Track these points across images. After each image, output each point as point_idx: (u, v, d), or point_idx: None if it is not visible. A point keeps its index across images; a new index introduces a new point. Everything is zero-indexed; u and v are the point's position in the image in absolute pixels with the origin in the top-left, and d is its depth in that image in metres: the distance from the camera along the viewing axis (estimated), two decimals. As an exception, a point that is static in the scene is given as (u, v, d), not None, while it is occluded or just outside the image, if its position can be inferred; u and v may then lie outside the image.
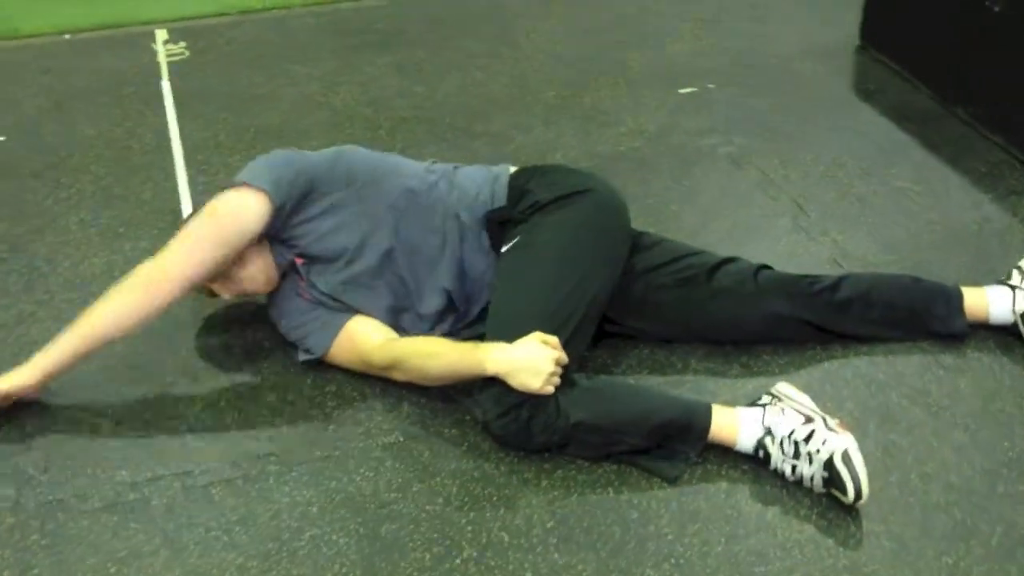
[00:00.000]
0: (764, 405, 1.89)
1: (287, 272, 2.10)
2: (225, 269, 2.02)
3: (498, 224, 2.09)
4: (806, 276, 2.16)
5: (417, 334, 2.07)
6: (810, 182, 2.73)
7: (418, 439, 1.95)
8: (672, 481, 1.85)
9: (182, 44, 3.54)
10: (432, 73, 3.34)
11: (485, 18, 3.74)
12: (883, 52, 3.34)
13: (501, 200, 2.11)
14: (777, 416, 1.84)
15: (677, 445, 1.87)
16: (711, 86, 3.22)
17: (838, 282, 2.14)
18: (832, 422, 1.82)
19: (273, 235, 2.03)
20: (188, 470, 1.87)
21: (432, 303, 2.07)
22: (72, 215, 2.61)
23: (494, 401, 1.86)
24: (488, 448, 1.92)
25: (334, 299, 2.06)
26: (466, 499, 1.82)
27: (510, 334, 1.88)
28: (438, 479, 1.86)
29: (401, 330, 2.06)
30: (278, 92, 3.23)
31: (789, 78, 3.27)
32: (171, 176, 2.78)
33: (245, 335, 2.21)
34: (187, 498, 1.82)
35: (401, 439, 1.95)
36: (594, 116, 3.07)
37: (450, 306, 2.09)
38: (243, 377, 2.10)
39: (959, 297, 2.15)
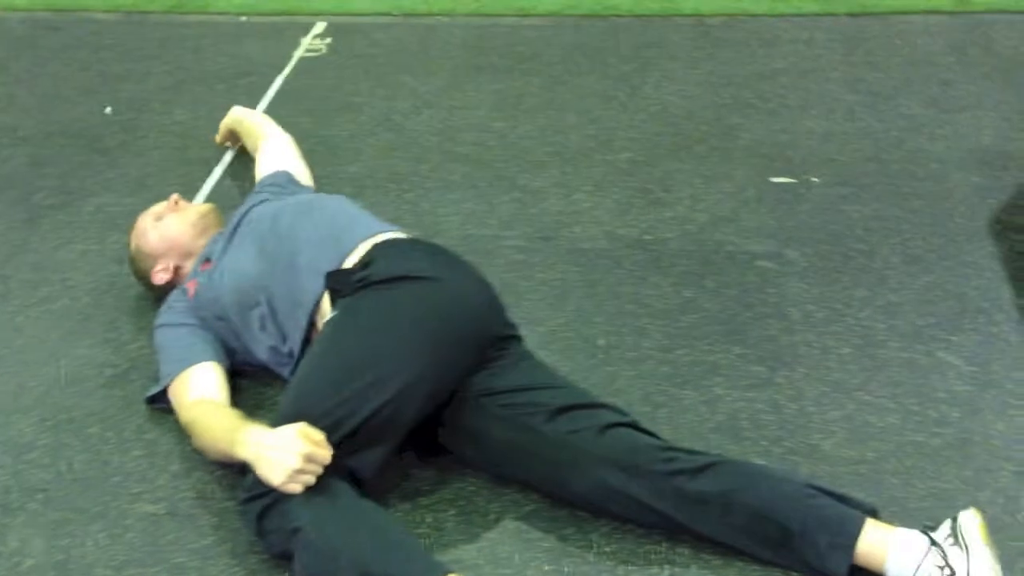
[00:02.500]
0: None
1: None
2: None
3: (334, 289, 1.93)
4: (670, 449, 1.75)
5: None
6: (835, 328, 2.20)
7: (178, 515, 1.85)
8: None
9: (327, 41, 3.59)
10: (528, 108, 3.12)
11: (631, 54, 3.41)
12: (1065, 174, 2.61)
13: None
14: None
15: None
16: (815, 179, 2.70)
17: (706, 467, 1.71)
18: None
19: None
20: (-36, 487, 1.93)
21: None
22: (95, 198, 2.76)
23: (248, 484, 1.71)
24: (235, 544, 1.78)
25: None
26: (158, 601, 1.71)
27: (280, 419, 1.72)
28: (154, 569, 1.75)
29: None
30: (369, 104, 3.18)
31: (925, 186, 2.66)
32: (207, 176, 2.85)
33: (117, 360, 2.22)
34: (-60, 513, 1.87)
35: (162, 512, 1.86)
36: (651, 191, 2.70)
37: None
38: (85, 402, 2.10)
39: (856, 528, 1.63)
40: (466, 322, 1.88)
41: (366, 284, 1.89)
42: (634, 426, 1.80)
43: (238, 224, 2.19)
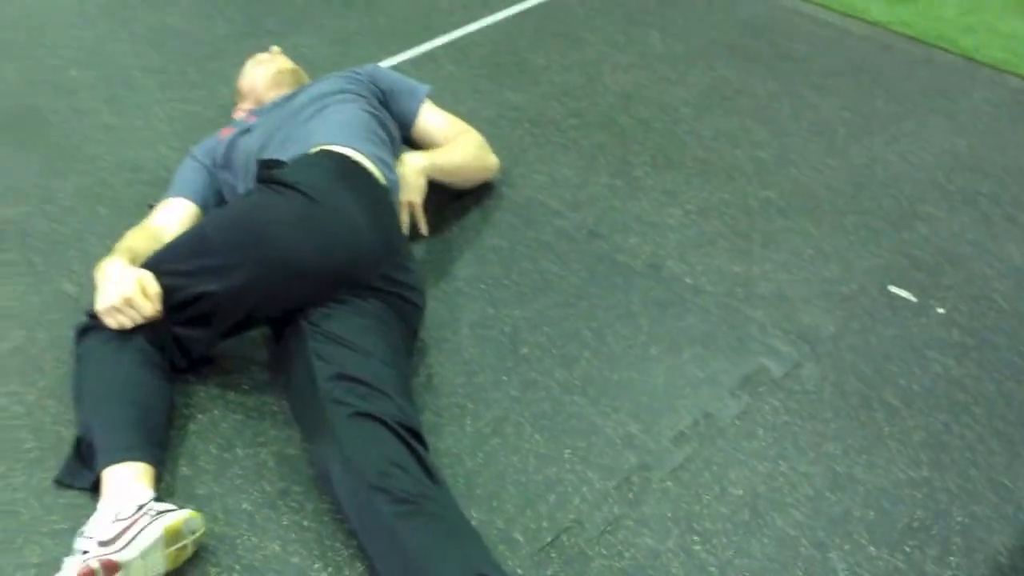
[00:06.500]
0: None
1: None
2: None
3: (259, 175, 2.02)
4: (399, 467, 1.61)
5: None
6: (736, 432, 1.84)
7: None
8: (60, 482, 1.73)
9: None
10: (718, 107, 2.82)
11: (912, 92, 2.89)
12: None
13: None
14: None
15: (88, 460, 1.73)
16: (940, 310, 2.17)
17: (411, 501, 1.57)
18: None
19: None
20: None
21: None
22: (297, 36, 2.99)
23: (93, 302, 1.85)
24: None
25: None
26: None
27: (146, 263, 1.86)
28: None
29: None
30: (596, 45, 3.07)
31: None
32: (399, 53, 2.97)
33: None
34: None
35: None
36: (751, 239, 2.36)
37: None
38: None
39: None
40: (323, 253, 1.84)
41: (267, 180, 1.94)
42: (396, 431, 1.68)
43: (297, 93, 2.30)
